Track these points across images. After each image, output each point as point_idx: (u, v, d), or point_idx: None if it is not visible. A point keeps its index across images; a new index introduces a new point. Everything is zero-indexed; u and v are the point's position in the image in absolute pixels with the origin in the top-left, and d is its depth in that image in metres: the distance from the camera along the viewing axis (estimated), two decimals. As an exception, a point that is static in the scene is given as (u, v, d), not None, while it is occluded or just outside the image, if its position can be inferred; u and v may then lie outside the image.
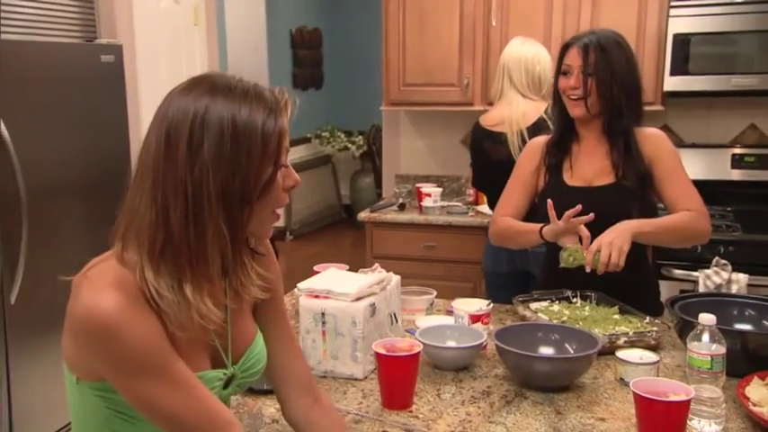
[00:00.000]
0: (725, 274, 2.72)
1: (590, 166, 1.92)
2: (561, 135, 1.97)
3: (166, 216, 0.98)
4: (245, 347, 1.16)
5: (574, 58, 1.87)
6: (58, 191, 2.82)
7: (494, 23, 3.29)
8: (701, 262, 2.80)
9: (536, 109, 2.58)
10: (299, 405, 1.21)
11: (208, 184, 0.98)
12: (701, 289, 2.69)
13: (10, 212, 2.55)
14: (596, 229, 1.76)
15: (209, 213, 0.99)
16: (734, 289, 2.69)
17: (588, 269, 1.71)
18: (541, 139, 2.04)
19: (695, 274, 2.78)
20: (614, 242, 1.68)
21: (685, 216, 1.83)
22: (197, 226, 0.99)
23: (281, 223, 6.76)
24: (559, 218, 1.76)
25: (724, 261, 2.73)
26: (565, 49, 1.92)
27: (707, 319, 1.29)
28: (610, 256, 1.66)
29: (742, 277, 2.69)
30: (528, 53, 2.64)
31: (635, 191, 1.85)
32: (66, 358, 1.06)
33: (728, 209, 3.18)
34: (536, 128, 2.50)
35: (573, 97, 1.86)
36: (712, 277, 2.73)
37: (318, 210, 7.32)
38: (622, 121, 1.86)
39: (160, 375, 0.98)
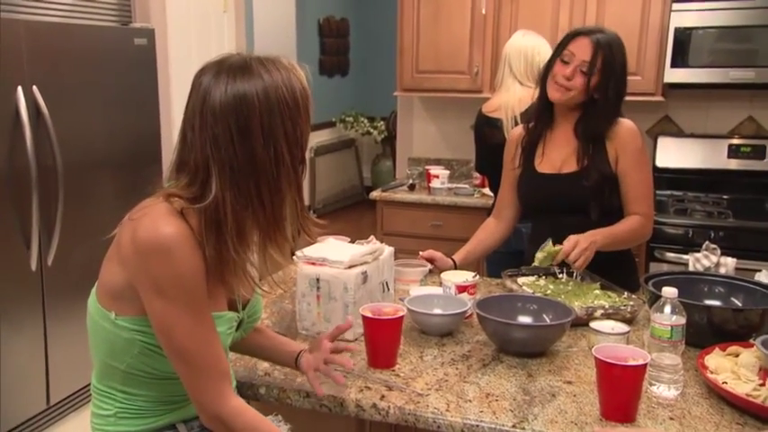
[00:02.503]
0: (714, 258, 2.70)
1: (560, 153, 1.92)
2: (538, 120, 1.96)
3: (251, 198, 1.06)
4: (249, 296, 1.24)
5: (582, 50, 1.80)
6: (92, 164, 2.89)
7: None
8: (691, 246, 2.79)
9: (531, 95, 2.58)
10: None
11: (284, 159, 1.06)
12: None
13: (48, 183, 2.63)
14: (562, 211, 1.87)
15: (288, 183, 1.08)
16: (722, 272, 2.67)
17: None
18: (516, 130, 2.05)
19: (686, 257, 2.77)
20: (588, 249, 1.72)
21: (635, 224, 1.86)
22: (279, 198, 1.08)
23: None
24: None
25: (713, 245, 2.71)
26: (572, 36, 1.84)
27: (669, 292, 1.30)
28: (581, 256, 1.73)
29: (730, 261, 2.67)
30: (528, 44, 2.65)
31: (595, 190, 1.84)
32: (105, 295, 1.12)
33: (724, 196, 3.17)
34: (528, 113, 2.50)
35: (560, 83, 1.84)
36: (702, 260, 2.71)
37: (342, 190, 7.37)
38: (601, 121, 1.85)
39: (190, 308, 1.05)
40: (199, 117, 1.06)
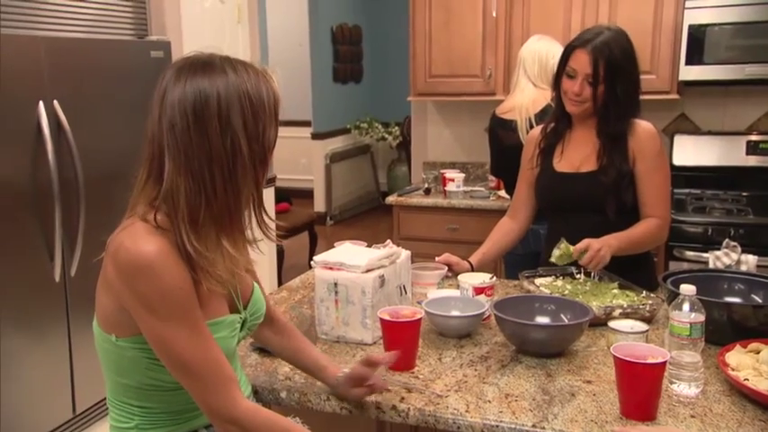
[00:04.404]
0: (734, 256, 2.67)
1: (579, 152, 1.93)
2: (558, 122, 1.97)
3: (206, 185, 1.06)
4: (248, 294, 1.25)
5: (582, 64, 1.81)
6: (113, 176, 2.93)
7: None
8: (711, 244, 2.77)
9: (545, 97, 2.59)
10: (267, 334, 1.38)
11: (241, 151, 1.06)
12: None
13: (69, 195, 2.67)
14: (579, 210, 1.87)
15: (243, 176, 1.07)
16: (743, 269, 2.65)
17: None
18: (536, 131, 2.06)
19: (706, 255, 2.75)
20: (601, 251, 1.73)
21: (651, 227, 1.85)
22: (234, 190, 1.07)
23: (321, 209, 6.87)
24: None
25: (734, 243, 2.69)
26: (570, 51, 1.85)
27: (687, 289, 1.30)
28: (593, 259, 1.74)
29: (751, 258, 2.65)
30: (542, 48, 2.67)
31: (612, 187, 1.84)
32: (103, 320, 1.13)
33: (743, 194, 3.13)
34: (543, 114, 2.51)
35: (572, 99, 1.86)
36: (722, 258, 2.69)
37: (358, 196, 7.40)
38: (618, 122, 1.85)
39: (183, 321, 1.06)
40: (158, 107, 1.07)
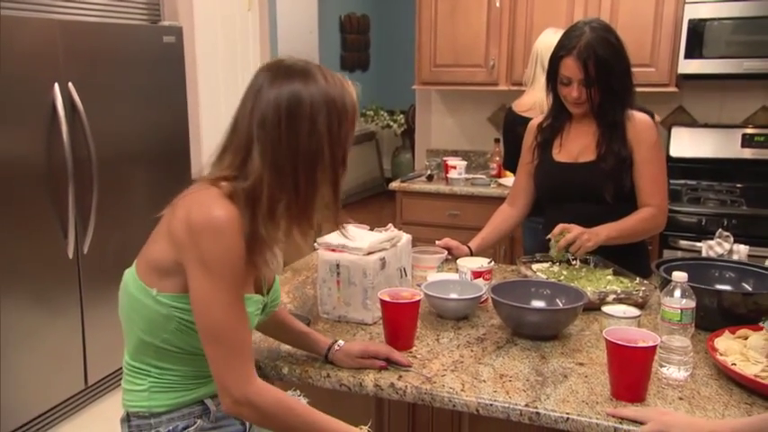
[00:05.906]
0: (727, 245, 2.65)
1: (577, 143, 1.92)
2: (555, 118, 1.96)
3: (287, 180, 1.10)
4: (272, 281, 1.29)
5: (572, 71, 1.79)
6: (125, 157, 2.94)
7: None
8: (705, 233, 2.75)
9: None
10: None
11: (323, 152, 1.11)
12: (704, 258, 2.65)
13: (83, 175, 2.68)
14: (576, 199, 1.86)
15: (323, 176, 1.12)
16: (735, 258, 2.64)
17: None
18: (535, 121, 2.04)
19: (699, 244, 2.73)
20: (582, 235, 1.72)
21: (646, 216, 1.84)
22: (313, 187, 1.12)
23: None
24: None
25: (726, 233, 2.67)
26: (558, 59, 1.83)
27: (679, 276, 1.29)
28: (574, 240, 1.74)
29: (743, 248, 2.62)
30: None
31: (611, 173, 1.83)
32: (150, 272, 1.15)
33: (737, 185, 3.12)
34: None
35: (572, 103, 1.85)
36: (715, 248, 2.68)
37: (363, 182, 7.38)
38: (615, 110, 1.84)
39: (230, 289, 1.09)
40: (251, 101, 1.12)
